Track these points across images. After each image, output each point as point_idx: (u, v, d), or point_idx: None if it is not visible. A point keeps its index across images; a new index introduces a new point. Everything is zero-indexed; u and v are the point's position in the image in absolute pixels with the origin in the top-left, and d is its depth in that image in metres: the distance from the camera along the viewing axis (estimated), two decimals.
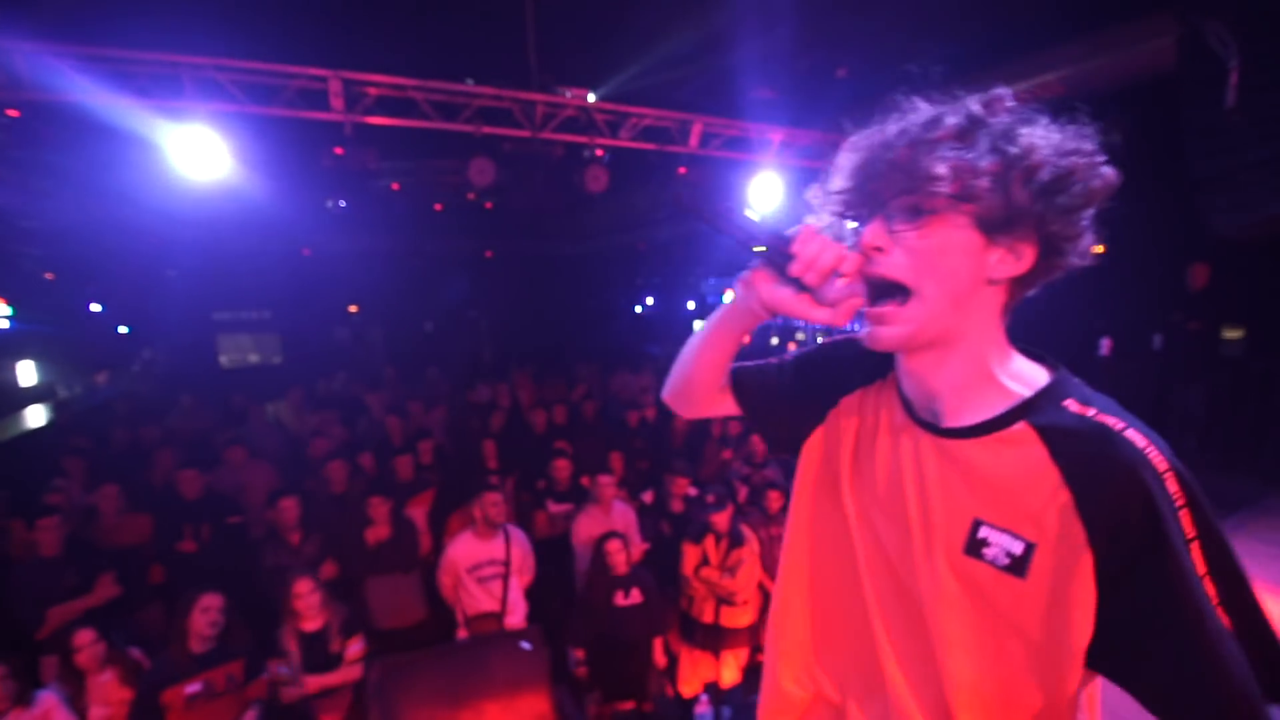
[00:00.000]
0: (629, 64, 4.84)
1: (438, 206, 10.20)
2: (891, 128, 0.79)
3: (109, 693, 2.92)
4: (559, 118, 4.54)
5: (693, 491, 4.59)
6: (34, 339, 12.81)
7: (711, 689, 3.85)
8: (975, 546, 0.80)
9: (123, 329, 14.38)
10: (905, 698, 0.90)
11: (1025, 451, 0.79)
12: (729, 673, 3.78)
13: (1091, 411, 0.78)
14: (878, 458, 0.93)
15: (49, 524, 3.65)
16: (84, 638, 2.79)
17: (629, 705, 3.53)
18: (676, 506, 4.52)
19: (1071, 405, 0.79)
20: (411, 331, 14.97)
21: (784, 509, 4.35)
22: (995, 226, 0.76)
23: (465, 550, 3.62)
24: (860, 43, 4.84)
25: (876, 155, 0.79)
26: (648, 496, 5.18)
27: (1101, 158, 0.78)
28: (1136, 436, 0.74)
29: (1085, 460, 0.75)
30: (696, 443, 5.95)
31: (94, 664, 2.86)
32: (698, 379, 1.12)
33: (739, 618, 3.71)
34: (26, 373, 13.32)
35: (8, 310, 11.59)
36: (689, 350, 1.11)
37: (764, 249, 0.84)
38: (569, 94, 4.51)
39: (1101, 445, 0.74)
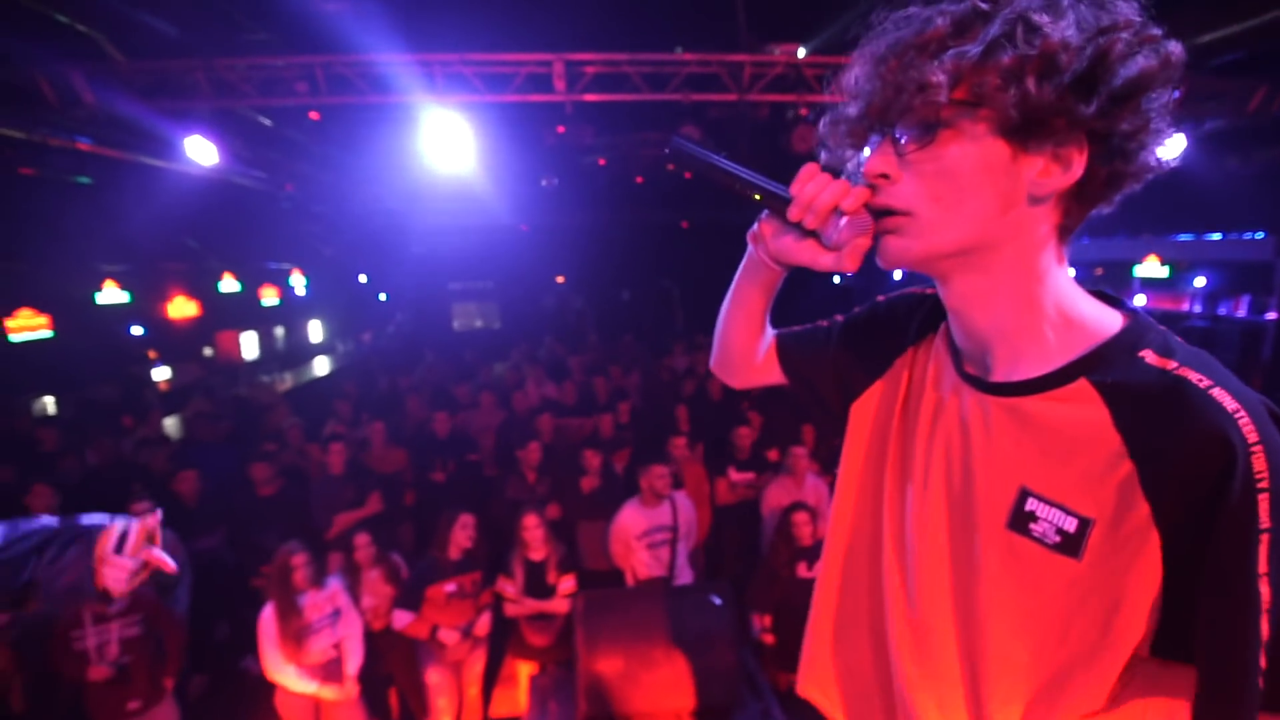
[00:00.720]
0: (841, 11, 4.55)
1: (639, 179, 10.57)
2: (886, 35, 0.66)
3: (376, 587, 3.59)
4: (768, 77, 4.46)
5: None
6: (319, 304, 15.82)
7: None
8: (1021, 520, 0.68)
9: (381, 296, 17.14)
10: (918, 699, 0.80)
11: (1084, 413, 0.66)
12: None
13: (1172, 365, 0.63)
14: (920, 420, 0.82)
15: (338, 448, 4.52)
16: (362, 539, 3.45)
17: None
18: None
19: (1148, 357, 0.64)
20: (611, 300, 15.87)
21: None
22: (1022, 132, 0.62)
23: (633, 517, 3.72)
24: None
25: (872, 71, 0.67)
26: None
27: (1154, 30, 0.62)
28: (1225, 397, 0.59)
29: (1155, 425, 0.61)
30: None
31: (367, 562, 3.52)
32: (731, 343, 1.04)
33: None
34: (315, 331, 16.54)
35: (304, 280, 14.37)
36: (720, 314, 1.03)
37: (760, 198, 0.76)
38: (778, 51, 4.40)
39: (1177, 406, 0.60)
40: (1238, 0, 4.35)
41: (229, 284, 11.87)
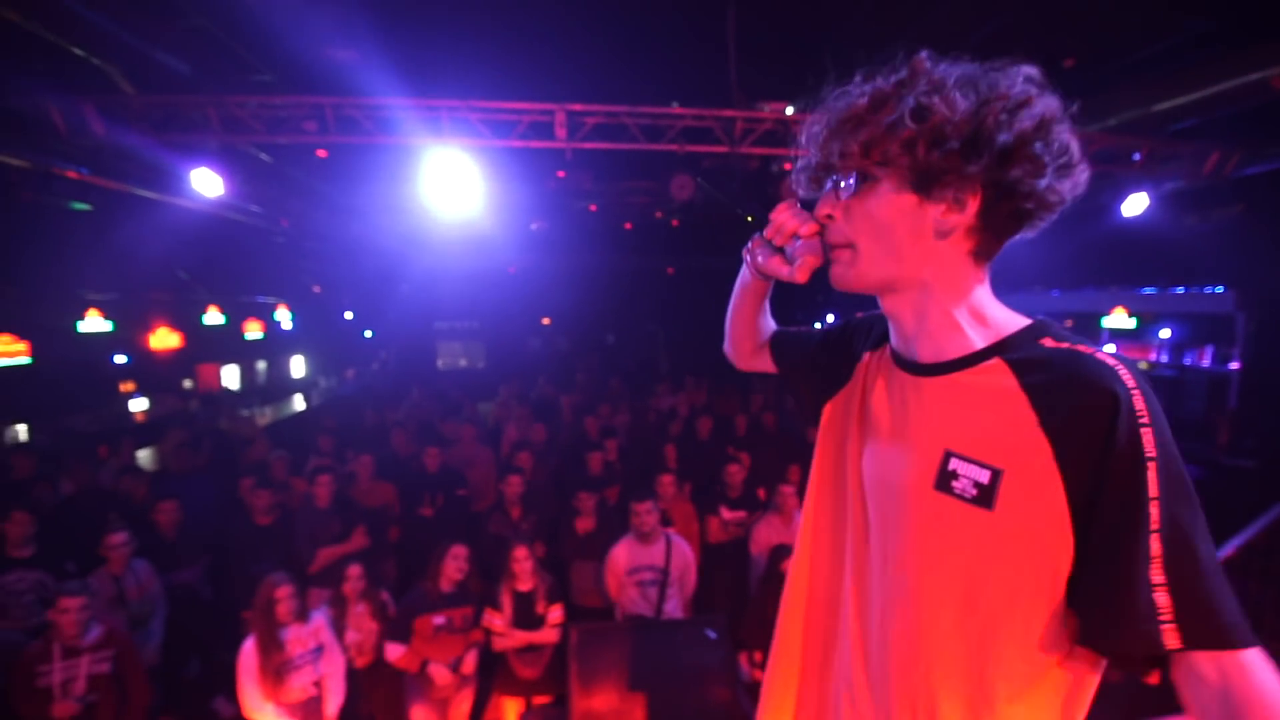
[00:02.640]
0: (824, 74, 4.84)
1: (627, 225, 10.83)
2: (826, 108, 0.84)
3: (362, 622, 3.52)
4: (757, 132, 4.70)
5: None
6: (303, 340, 15.73)
7: None
8: (945, 480, 0.80)
9: (367, 333, 17.09)
10: (858, 658, 0.91)
11: (995, 381, 0.79)
12: None
13: (1066, 344, 0.78)
14: (871, 412, 0.96)
15: (324, 480, 4.48)
16: (354, 570, 3.41)
17: None
18: None
19: (1047, 342, 0.79)
20: (595, 342, 15.98)
21: None
22: (923, 185, 0.78)
23: (625, 554, 3.68)
24: (1094, 23, 4.42)
25: (815, 135, 0.86)
26: None
27: (1026, 95, 0.76)
28: (1106, 357, 0.74)
29: (1052, 381, 0.74)
30: None
31: (355, 595, 3.47)
32: (734, 336, 1.27)
33: None
34: (297, 366, 16.39)
35: (289, 315, 14.32)
36: (727, 312, 1.25)
37: (752, 219, 0.97)
38: (767, 108, 4.66)
39: (1069, 366, 0.74)
40: (1191, 71, 4.72)
41: (213, 316, 11.80)
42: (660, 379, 10.23)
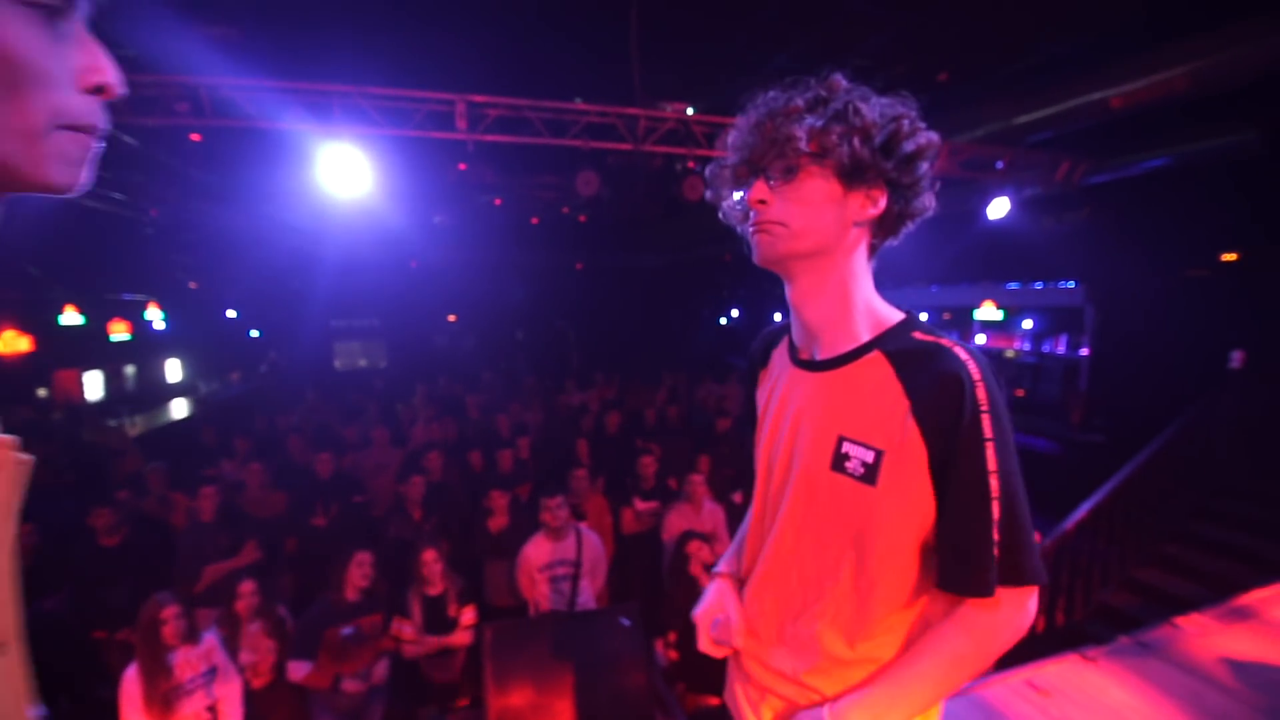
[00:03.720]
0: (726, 79, 5.02)
1: (534, 220, 10.71)
2: (759, 109, 0.97)
3: (258, 641, 3.31)
4: (660, 131, 4.78)
5: None
6: (180, 341, 14.42)
7: None
8: (840, 461, 0.94)
9: (253, 333, 15.89)
10: (771, 626, 1.06)
11: (876, 372, 0.94)
12: None
13: (931, 338, 0.92)
14: (779, 404, 1.08)
15: (209, 492, 4.17)
16: (247, 587, 3.18)
17: (715, 701, 3.61)
18: None
19: (917, 334, 0.94)
20: (504, 339, 15.69)
21: None
22: (849, 176, 0.92)
23: (538, 550, 3.68)
24: (964, 44, 4.83)
25: (751, 132, 0.97)
26: (738, 497, 5.26)
27: (922, 123, 0.94)
28: (960, 351, 0.88)
29: (920, 372, 0.89)
30: None
31: (249, 613, 3.25)
32: None
33: None
34: (173, 370, 14.99)
35: (161, 314, 13.08)
36: None
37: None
38: (669, 108, 4.75)
39: (933, 359, 0.89)
40: (1046, 90, 5.26)
41: (71, 317, 10.59)
42: (570, 375, 10.20)
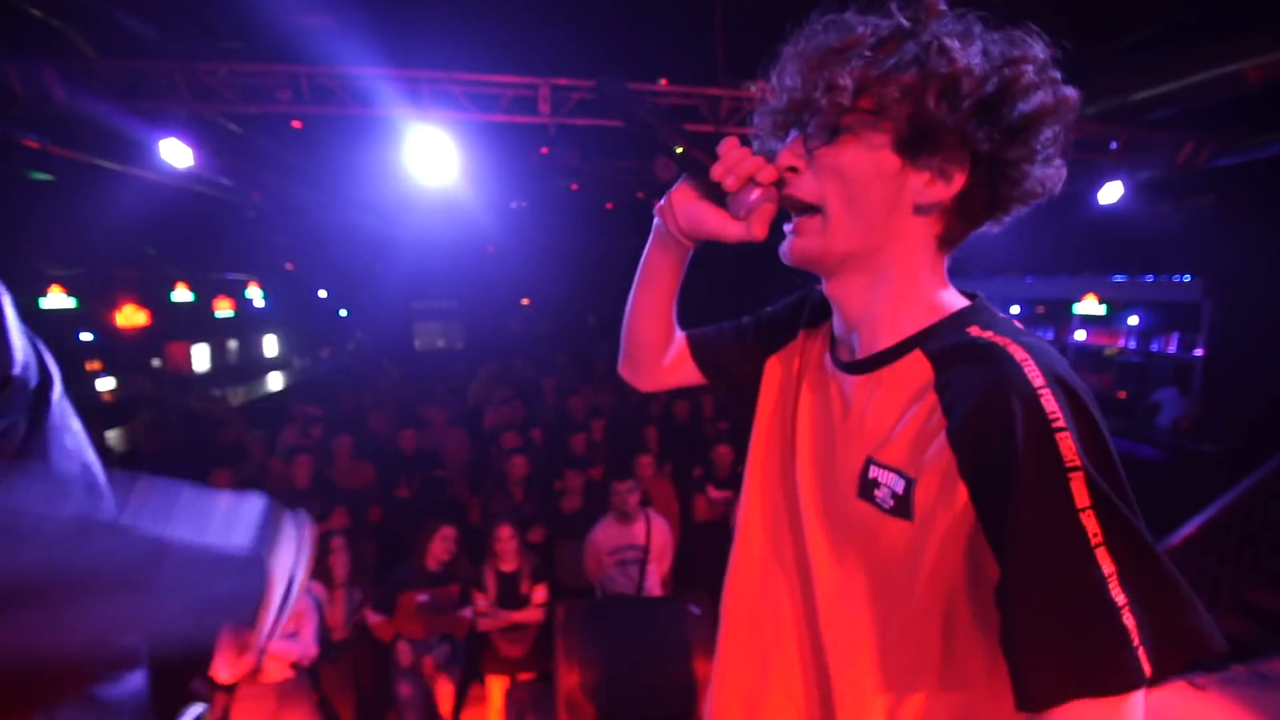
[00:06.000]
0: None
1: (609, 205, 10.73)
2: (815, 38, 0.70)
3: (342, 599, 3.49)
4: (743, 112, 4.65)
5: None
6: (277, 318, 15.41)
7: None
8: (868, 488, 0.71)
9: (342, 312, 16.79)
10: (789, 677, 0.83)
11: (913, 378, 0.70)
12: None
13: (988, 334, 0.67)
14: (801, 404, 0.86)
15: (303, 461, 4.42)
16: (338, 542, 3.37)
17: None
18: None
19: (973, 330, 0.69)
20: (577, 324, 15.90)
21: None
22: (914, 145, 0.67)
23: (606, 534, 3.70)
24: (1078, 10, 4.44)
25: (795, 68, 0.72)
26: None
27: (1054, 72, 0.67)
28: (1017, 350, 0.62)
29: (960, 382, 0.65)
30: None
31: (340, 571, 3.43)
32: (640, 336, 1.04)
33: None
34: (270, 345, 16.06)
35: (261, 292, 13.99)
36: (627, 309, 1.04)
37: (683, 150, 0.78)
38: (754, 87, 4.61)
39: (979, 362, 0.64)
40: (1170, 62, 4.79)
41: (182, 293, 11.48)
42: None
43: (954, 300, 0.76)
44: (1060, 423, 0.57)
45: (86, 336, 9.80)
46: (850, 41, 0.67)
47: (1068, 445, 0.56)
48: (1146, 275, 8.90)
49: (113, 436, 7.51)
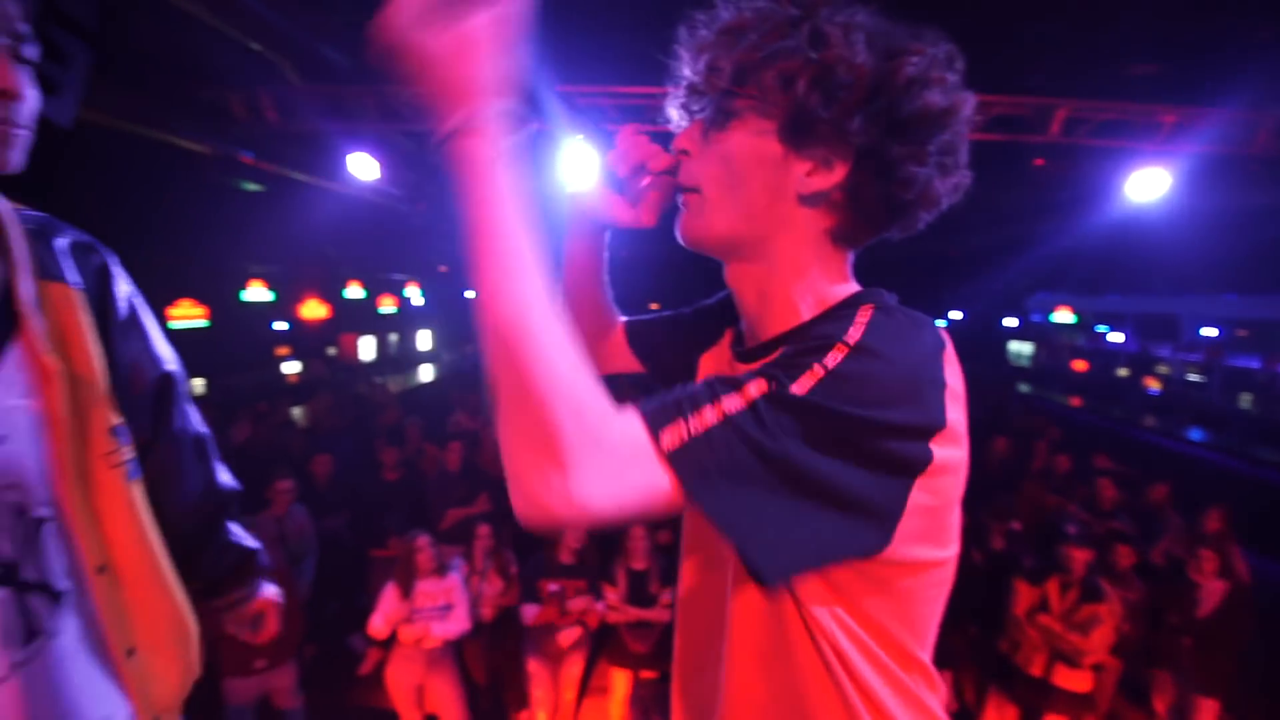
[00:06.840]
0: (975, 48, 4.45)
1: None
2: (709, 24, 0.67)
3: (489, 578, 3.74)
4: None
5: (1016, 527, 4.12)
6: (431, 315, 16.86)
7: None
8: None
9: None
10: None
11: None
12: None
13: (868, 305, 0.64)
14: None
15: (456, 446, 4.78)
16: (484, 529, 3.62)
17: None
18: (997, 543, 4.07)
19: (864, 312, 0.64)
20: None
21: (1134, 568, 3.68)
22: (794, 133, 0.64)
23: None
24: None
25: (689, 55, 0.70)
26: None
27: (950, 74, 0.62)
28: (867, 311, 0.61)
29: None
30: (1014, 476, 5.32)
31: (484, 554, 3.69)
32: (578, 324, 0.97)
33: (1076, 681, 3.20)
34: (424, 340, 17.61)
35: (419, 292, 15.38)
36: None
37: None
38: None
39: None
40: None
41: (354, 291, 12.87)
42: None
43: (847, 294, 0.73)
44: (823, 363, 0.56)
45: (280, 325, 11.28)
46: (736, 24, 0.66)
47: (802, 383, 0.56)
48: None
49: (296, 412, 8.55)
